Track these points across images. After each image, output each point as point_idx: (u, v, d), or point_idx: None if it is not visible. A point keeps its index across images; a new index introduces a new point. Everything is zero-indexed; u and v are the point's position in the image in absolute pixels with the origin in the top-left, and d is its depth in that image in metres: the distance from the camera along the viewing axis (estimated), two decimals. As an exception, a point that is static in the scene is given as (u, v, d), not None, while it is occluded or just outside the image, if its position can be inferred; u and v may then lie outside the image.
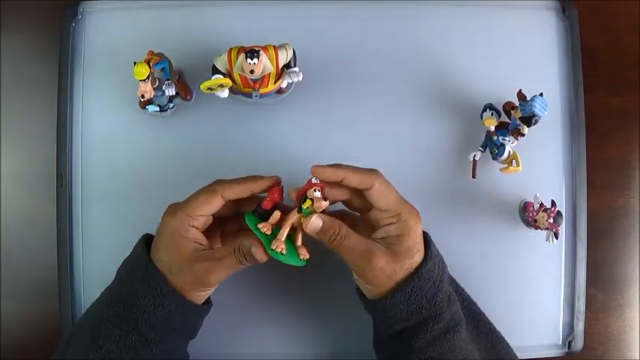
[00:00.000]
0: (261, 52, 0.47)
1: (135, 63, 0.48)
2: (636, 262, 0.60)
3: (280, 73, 0.51)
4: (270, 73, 0.50)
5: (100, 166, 0.56)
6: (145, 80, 0.48)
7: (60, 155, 0.56)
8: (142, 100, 0.50)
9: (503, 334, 0.50)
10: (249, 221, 0.45)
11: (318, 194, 0.43)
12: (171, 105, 0.54)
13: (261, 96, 0.52)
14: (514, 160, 0.54)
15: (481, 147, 0.55)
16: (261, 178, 0.47)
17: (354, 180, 0.45)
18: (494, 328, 0.50)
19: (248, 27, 0.57)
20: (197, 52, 0.55)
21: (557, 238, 0.51)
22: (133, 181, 0.56)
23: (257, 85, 0.51)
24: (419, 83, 0.57)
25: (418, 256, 0.45)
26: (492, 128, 0.53)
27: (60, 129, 0.56)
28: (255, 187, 0.46)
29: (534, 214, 0.53)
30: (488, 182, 0.56)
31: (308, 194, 0.43)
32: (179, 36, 0.56)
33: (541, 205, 0.52)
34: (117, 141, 0.56)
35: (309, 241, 0.46)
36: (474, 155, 0.55)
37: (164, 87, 0.52)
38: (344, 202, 0.48)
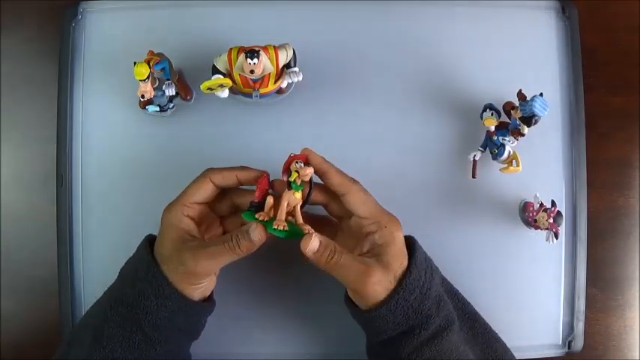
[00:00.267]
0: (261, 52, 0.47)
1: (135, 63, 0.48)
2: (636, 262, 0.60)
3: (280, 73, 0.51)
4: (270, 73, 0.50)
5: (100, 165, 0.56)
6: (145, 80, 0.48)
7: (60, 155, 0.56)
8: (142, 100, 0.50)
9: (503, 334, 0.50)
10: (247, 217, 0.45)
11: (301, 164, 0.44)
12: (171, 105, 0.54)
13: (261, 96, 0.52)
14: (514, 160, 0.54)
15: (481, 147, 0.55)
16: (248, 167, 0.47)
17: (336, 179, 0.45)
18: (490, 329, 0.50)
19: (248, 27, 0.57)
20: (197, 52, 0.55)
21: (557, 238, 0.51)
22: (133, 180, 0.56)
23: (257, 85, 0.51)
24: (419, 83, 0.57)
25: (405, 264, 0.45)
26: (492, 128, 0.53)
27: (60, 129, 0.56)
28: (242, 175, 0.47)
29: (534, 214, 0.53)
30: (488, 182, 0.56)
31: (292, 168, 0.44)
32: (179, 36, 0.56)
33: (541, 205, 0.52)
34: (117, 141, 0.56)
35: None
36: (474, 155, 0.55)
37: (164, 87, 0.52)
38: (324, 206, 0.48)
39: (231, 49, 0.49)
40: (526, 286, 0.57)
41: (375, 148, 0.57)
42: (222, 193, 0.48)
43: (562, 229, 0.54)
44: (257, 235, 0.43)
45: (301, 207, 0.45)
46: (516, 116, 0.51)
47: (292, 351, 0.56)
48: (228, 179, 0.47)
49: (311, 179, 0.45)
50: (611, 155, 0.60)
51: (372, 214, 0.45)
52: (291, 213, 0.45)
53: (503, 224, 0.56)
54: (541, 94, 0.50)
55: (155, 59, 0.50)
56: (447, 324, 0.46)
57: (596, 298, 0.59)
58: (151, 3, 0.58)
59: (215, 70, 0.50)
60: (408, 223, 0.46)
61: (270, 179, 0.47)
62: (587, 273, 0.57)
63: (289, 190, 0.44)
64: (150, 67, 0.48)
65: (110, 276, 0.48)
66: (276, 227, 0.43)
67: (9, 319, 0.58)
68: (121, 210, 0.56)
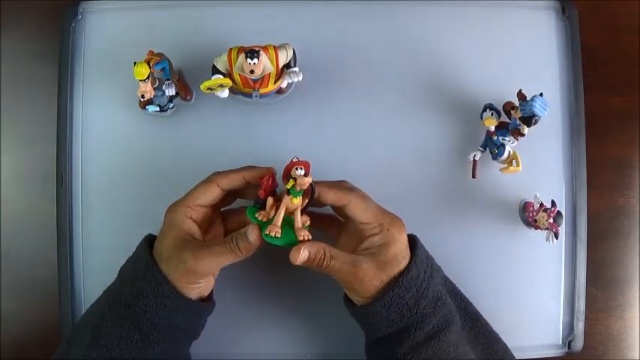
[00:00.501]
0: (261, 52, 0.47)
1: (135, 63, 0.48)
2: (636, 263, 0.60)
3: (280, 73, 0.51)
4: (270, 73, 0.50)
5: (100, 166, 0.56)
6: (145, 80, 0.48)
7: (60, 155, 0.56)
8: (142, 100, 0.50)
9: (503, 334, 0.50)
10: (249, 214, 0.45)
11: (300, 172, 0.43)
12: (171, 105, 0.54)
13: (261, 96, 0.52)
14: (514, 160, 0.54)
15: (481, 147, 0.55)
16: (255, 166, 0.47)
17: (329, 197, 0.46)
18: (492, 329, 0.50)
19: (248, 27, 0.57)
20: (197, 52, 0.55)
21: (557, 238, 0.51)
22: (133, 180, 0.56)
23: (257, 85, 0.51)
24: (419, 83, 0.57)
25: (404, 263, 0.45)
26: (492, 128, 0.53)
27: (60, 129, 0.56)
28: (248, 175, 0.47)
29: (534, 214, 0.53)
30: (488, 182, 0.56)
31: (292, 174, 0.44)
32: (179, 36, 0.56)
33: (541, 205, 0.52)
34: (117, 141, 0.56)
35: (312, 231, 0.45)
36: (474, 155, 0.55)
37: (164, 87, 0.52)
38: (331, 207, 0.48)
39: (231, 49, 0.49)
40: (526, 286, 0.57)
41: (375, 148, 0.57)
42: (229, 192, 0.48)
43: (562, 229, 0.54)
44: (253, 236, 0.44)
45: (304, 210, 0.45)
46: (516, 116, 0.51)
47: (292, 351, 0.56)
48: (235, 181, 0.47)
49: (312, 185, 0.44)
50: (611, 155, 0.60)
51: (373, 219, 0.46)
52: (291, 214, 0.45)
53: (503, 224, 0.56)
54: (541, 94, 0.50)
55: (155, 59, 0.50)
56: (444, 324, 0.46)
57: (596, 298, 0.59)
58: (151, 3, 0.58)
59: (215, 70, 0.50)
60: (407, 223, 0.47)
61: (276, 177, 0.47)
62: (587, 273, 0.57)
63: (288, 195, 0.44)
64: (150, 67, 0.48)
65: (110, 276, 0.48)
66: (268, 232, 0.43)
67: (9, 319, 0.58)
68: (121, 210, 0.56)
